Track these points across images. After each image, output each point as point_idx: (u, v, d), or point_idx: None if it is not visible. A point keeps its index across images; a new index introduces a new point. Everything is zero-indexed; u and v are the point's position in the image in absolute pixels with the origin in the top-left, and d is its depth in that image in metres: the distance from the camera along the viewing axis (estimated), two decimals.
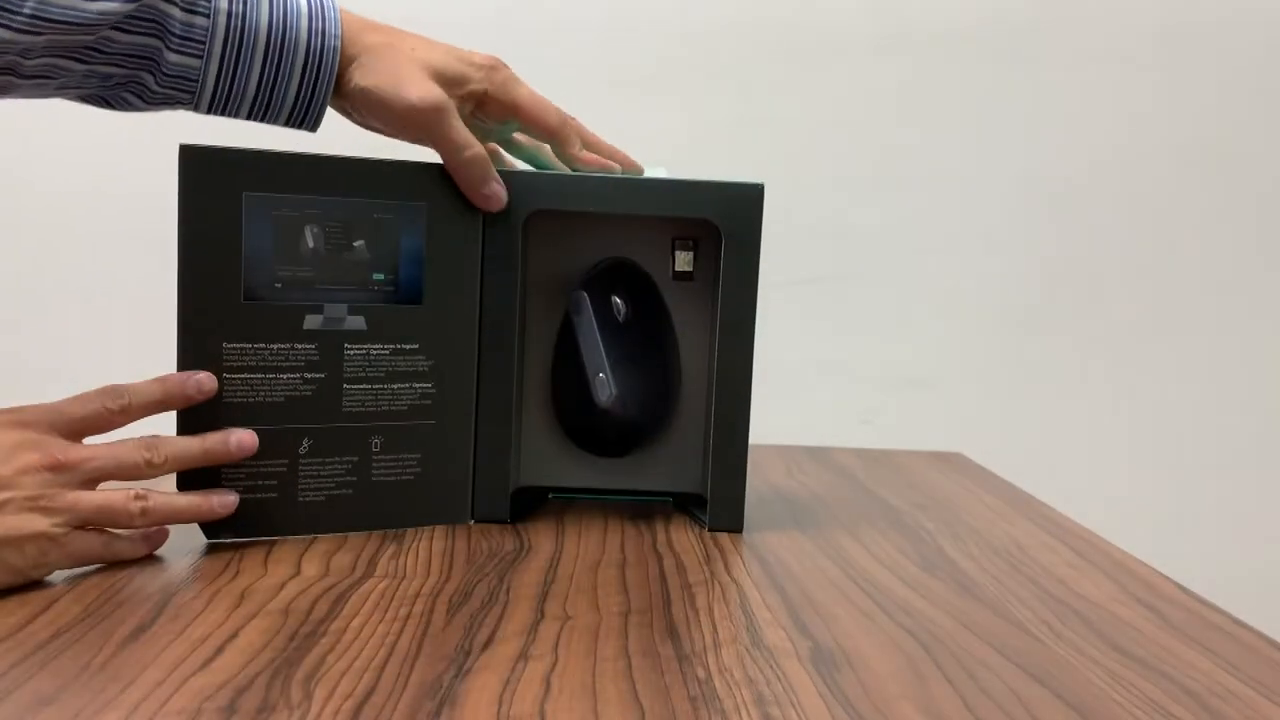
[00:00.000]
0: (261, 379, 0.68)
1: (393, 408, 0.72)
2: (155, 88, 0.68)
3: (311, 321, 0.69)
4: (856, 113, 1.47)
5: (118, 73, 0.67)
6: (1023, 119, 1.47)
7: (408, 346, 0.72)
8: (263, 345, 0.68)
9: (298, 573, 0.64)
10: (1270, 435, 1.51)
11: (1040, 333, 1.50)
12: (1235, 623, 0.62)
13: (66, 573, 0.62)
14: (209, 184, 0.66)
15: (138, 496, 0.63)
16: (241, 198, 0.67)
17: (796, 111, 1.46)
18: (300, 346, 0.69)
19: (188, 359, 0.67)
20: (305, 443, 0.69)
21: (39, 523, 0.59)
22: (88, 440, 0.63)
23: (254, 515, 0.69)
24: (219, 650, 0.51)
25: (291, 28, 0.68)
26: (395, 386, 0.72)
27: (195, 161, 0.66)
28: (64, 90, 0.68)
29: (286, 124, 0.71)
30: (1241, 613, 0.63)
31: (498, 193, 0.73)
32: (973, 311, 1.50)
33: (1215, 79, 1.47)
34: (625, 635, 0.56)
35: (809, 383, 1.49)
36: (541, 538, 0.73)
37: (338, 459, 0.71)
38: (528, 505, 0.80)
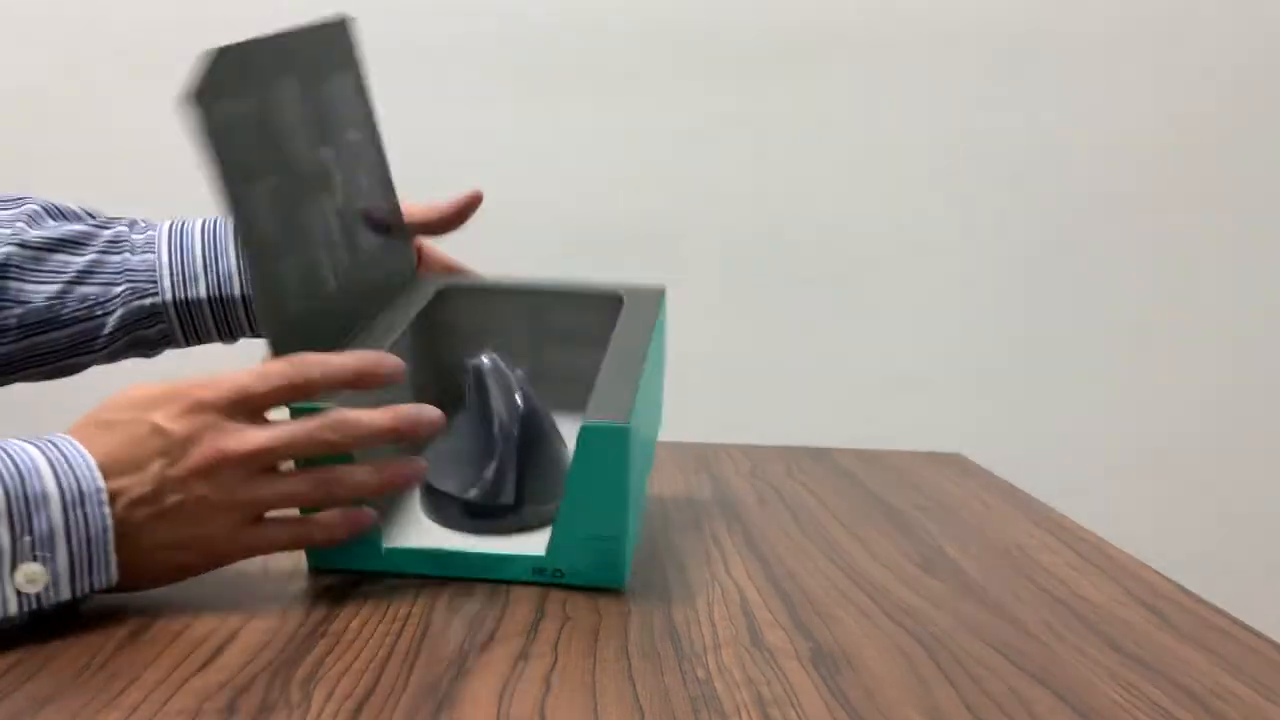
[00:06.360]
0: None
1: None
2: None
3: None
4: (857, 112, 1.47)
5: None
6: (1023, 119, 1.47)
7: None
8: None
9: (298, 572, 0.63)
10: (1271, 435, 1.51)
11: (1041, 333, 1.50)
12: (1235, 623, 0.62)
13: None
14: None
15: (321, 483, 0.57)
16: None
17: (797, 111, 1.46)
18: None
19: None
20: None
21: (211, 523, 0.55)
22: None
23: None
24: (219, 650, 0.51)
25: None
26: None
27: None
28: None
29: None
30: (1241, 613, 0.63)
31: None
32: (973, 311, 1.50)
33: (1215, 80, 1.47)
34: (625, 635, 0.56)
35: (811, 383, 1.49)
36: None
37: None
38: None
